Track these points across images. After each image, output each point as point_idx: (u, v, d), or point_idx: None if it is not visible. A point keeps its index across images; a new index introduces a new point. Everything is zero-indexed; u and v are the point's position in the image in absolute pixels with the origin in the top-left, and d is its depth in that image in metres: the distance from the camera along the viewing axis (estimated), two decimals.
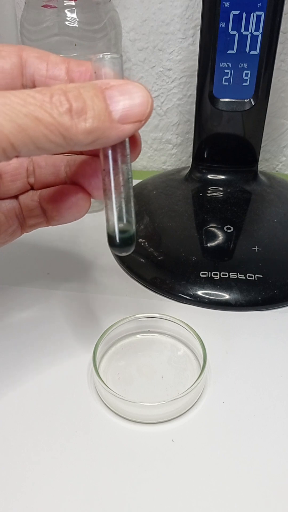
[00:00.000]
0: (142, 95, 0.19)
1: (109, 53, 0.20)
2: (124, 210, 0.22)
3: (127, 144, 0.21)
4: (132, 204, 0.22)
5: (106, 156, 0.21)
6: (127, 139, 0.21)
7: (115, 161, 0.21)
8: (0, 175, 0.26)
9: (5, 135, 0.17)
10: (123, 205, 0.22)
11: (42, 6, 0.37)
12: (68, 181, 0.26)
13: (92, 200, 0.26)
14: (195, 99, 0.39)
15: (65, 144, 0.18)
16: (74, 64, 0.22)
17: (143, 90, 0.19)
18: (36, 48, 0.23)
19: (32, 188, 0.26)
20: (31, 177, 0.26)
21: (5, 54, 0.22)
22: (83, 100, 0.18)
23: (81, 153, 0.26)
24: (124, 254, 0.23)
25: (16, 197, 0.26)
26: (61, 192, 0.25)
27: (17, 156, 0.18)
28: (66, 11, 0.36)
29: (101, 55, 0.20)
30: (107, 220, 0.22)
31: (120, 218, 0.22)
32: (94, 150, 0.24)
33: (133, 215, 0.22)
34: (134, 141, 0.23)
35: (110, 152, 0.21)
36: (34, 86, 0.23)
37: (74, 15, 0.37)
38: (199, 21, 0.37)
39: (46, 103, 0.18)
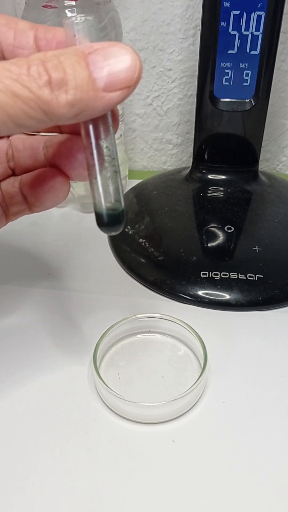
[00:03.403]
0: (129, 58, 0.17)
1: (82, 15, 0.19)
2: (110, 187, 0.20)
3: (109, 115, 0.20)
4: (119, 180, 0.21)
5: (87, 130, 0.20)
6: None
7: (97, 134, 0.20)
8: None
9: None
10: (110, 182, 0.20)
11: (43, 6, 0.37)
12: (47, 164, 0.24)
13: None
14: (195, 99, 0.39)
15: (47, 120, 0.17)
16: (42, 31, 0.20)
17: (131, 52, 0.17)
18: (4, 14, 0.21)
19: (13, 173, 0.25)
20: (11, 162, 0.25)
21: None
22: (63, 69, 0.17)
23: (59, 131, 0.24)
24: (113, 233, 0.22)
25: None
26: (39, 177, 0.24)
27: None
28: (66, 11, 0.36)
29: (74, 18, 0.19)
30: (94, 199, 0.21)
31: (107, 196, 0.21)
32: (74, 127, 0.23)
33: (120, 192, 0.21)
34: (112, 113, 0.21)
35: (91, 125, 0.19)
36: (2, 56, 0.21)
37: (75, 15, 0.37)
38: (199, 21, 0.37)
39: (23, 75, 0.16)
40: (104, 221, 0.21)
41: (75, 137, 0.23)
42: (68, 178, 0.24)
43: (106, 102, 0.18)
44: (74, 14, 0.19)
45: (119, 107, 0.44)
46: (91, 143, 0.20)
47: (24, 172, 0.25)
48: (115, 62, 0.17)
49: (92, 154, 0.20)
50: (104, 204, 0.21)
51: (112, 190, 0.21)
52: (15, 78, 0.16)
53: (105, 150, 0.20)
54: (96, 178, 0.20)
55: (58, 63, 0.17)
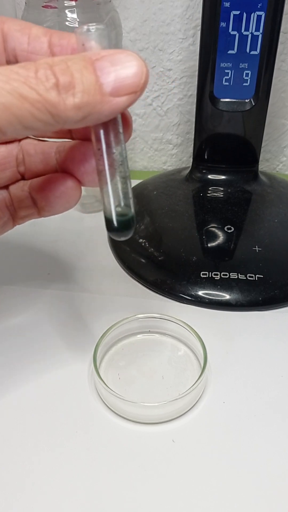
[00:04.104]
0: (136, 64, 0.18)
1: (94, 24, 0.19)
2: (120, 192, 0.21)
3: (120, 121, 0.20)
4: (129, 185, 0.21)
5: (98, 135, 0.20)
6: (119, 116, 0.20)
7: (107, 139, 0.20)
8: None
9: None
10: (119, 187, 0.21)
11: (43, 6, 0.37)
12: (58, 169, 0.25)
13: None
14: (195, 99, 0.39)
15: (54, 122, 0.17)
16: (56, 37, 0.21)
17: (137, 59, 0.18)
18: (18, 19, 0.21)
19: (23, 177, 0.25)
20: (21, 166, 0.25)
21: None
22: (70, 74, 0.17)
23: (71, 137, 0.25)
24: (123, 238, 0.22)
25: (6, 187, 0.25)
26: (50, 181, 0.24)
27: (5, 141, 0.17)
28: (66, 11, 0.36)
29: (85, 27, 0.19)
30: (104, 204, 0.21)
31: (117, 201, 0.21)
32: (86, 134, 0.23)
33: (130, 197, 0.21)
34: (124, 120, 0.22)
35: (102, 130, 0.20)
36: (16, 61, 0.21)
37: (75, 16, 0.37)
38: (199, 21, 0.37)
39: (31, 78, 0.16)
40: (114, 226, 0.21)
41: (89, 143, 0.23)
42: (80, 184, 0.24)
43: (113, 107, 0.18)
44: (91, 24, 0.19)
45: None
46: (101, 149, 0.20)
47: (34, 177, 0.25)
48: (122, 68, 0.18)
49: (102, 159, 0.20)
50: (114, 209, 0.21)
51: (121, 195, 0.21)
52: (23, 80, 0.16)
53: (114, 155, 0.20)
54: (106, 183, 0.21)
55: (65, 67, 0.17)
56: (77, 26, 0.37)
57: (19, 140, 0.25)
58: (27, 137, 0.25)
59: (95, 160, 0.21)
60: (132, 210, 0.21)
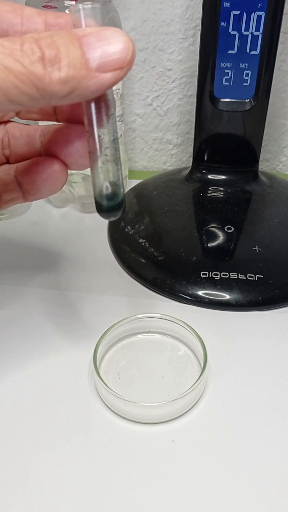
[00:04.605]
0: (122, 40, 0.18)
1: (89, 2, 0.19)
2: (111, 173, 0.21)
3: (112, 102, 0.20)
4: (120, 166, 0.21)
5: (89, 114, 0.20)
6: (111, 96, 0.20)
7: (99, 119, 0.20)
8: None
9: None
10: (110, 168, 0.21)
11: (43, 6, 0.37)
12: (43, 152, 0.25)
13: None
14: (195, 99, 0.39)
15: (39, 96, 0.17)
16: (52, 17, 0.20)
17: (123, 35, 0.18)
18: (9, 1, 0.21)
19: (8, 161, 0.25)
20: (7, 149, 0.25)
21: None
22: (56, 48, 0.17)
23: (56, 119, 0.25)
24: (112, 219, 0.22)
25: None
26: (37, 164, 0.24)
27: None
28: (66, 11, 0.36)
29: (80, 5, 0.19)
30: (94, 184, 0.21)
31: (107, 182, 0.21)
32: (71, 115, 0.23)
33: (120, 178, 0.21)
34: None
35: (93, 109, 0.20)
36: None
37: None
38: (199, 21, 0.37)
39: (16, 51, 0.16)
40: (104, 207, 0.21)
41: (73, 125, 0.23)
42: (66, 167, 0.24)
43: (99, 82, 0.18)
44: (87, 2, 0.19)
45: (119, 107, 0.44)
46: (91, 129, 0.20)
47: (19, 160, 0.25)
48: (108, 44, 0.18)
49: (93, 138, 0.20)
50: (104, 190, 0.21)
51: (112, 176, 0.21)
52: (7, 52, 0.16)
53: (106, 135, 0.20)
54: (96, 163, 0.21)
55: (51, 42, 0.17)
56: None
57: (5, 123, 0.25)
58: (11, 121, 0.25)
59: (87, 140, 0.21)
60: (122, 190, 0.21)
